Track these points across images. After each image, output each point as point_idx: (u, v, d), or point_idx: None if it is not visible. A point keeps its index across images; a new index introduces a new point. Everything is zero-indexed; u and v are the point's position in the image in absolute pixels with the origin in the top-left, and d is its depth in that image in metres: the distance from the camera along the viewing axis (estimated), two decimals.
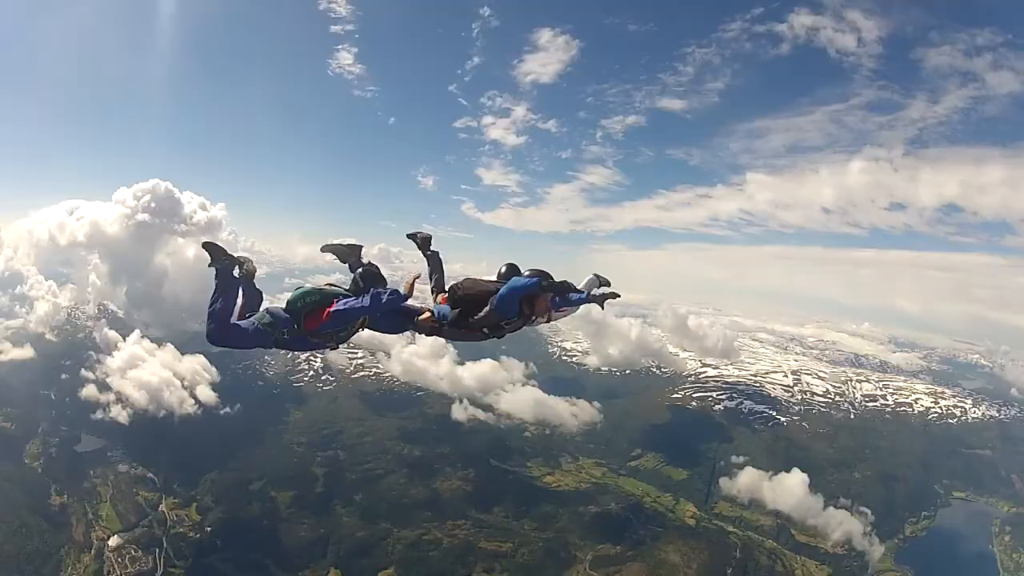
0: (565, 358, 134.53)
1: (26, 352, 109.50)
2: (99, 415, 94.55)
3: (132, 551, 77.55)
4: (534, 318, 6.27)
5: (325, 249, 6.71)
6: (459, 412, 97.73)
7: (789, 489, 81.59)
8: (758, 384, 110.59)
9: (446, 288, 6.53)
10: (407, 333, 6.60)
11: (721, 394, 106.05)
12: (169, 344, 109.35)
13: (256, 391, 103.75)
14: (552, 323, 7.19)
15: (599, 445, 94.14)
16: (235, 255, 5.79)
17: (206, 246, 5.67)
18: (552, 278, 6.22)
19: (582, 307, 7.17)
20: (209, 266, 5.63)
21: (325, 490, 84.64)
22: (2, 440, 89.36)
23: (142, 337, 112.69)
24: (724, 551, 70.98)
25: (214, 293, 5.56)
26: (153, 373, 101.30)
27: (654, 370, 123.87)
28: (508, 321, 6.18)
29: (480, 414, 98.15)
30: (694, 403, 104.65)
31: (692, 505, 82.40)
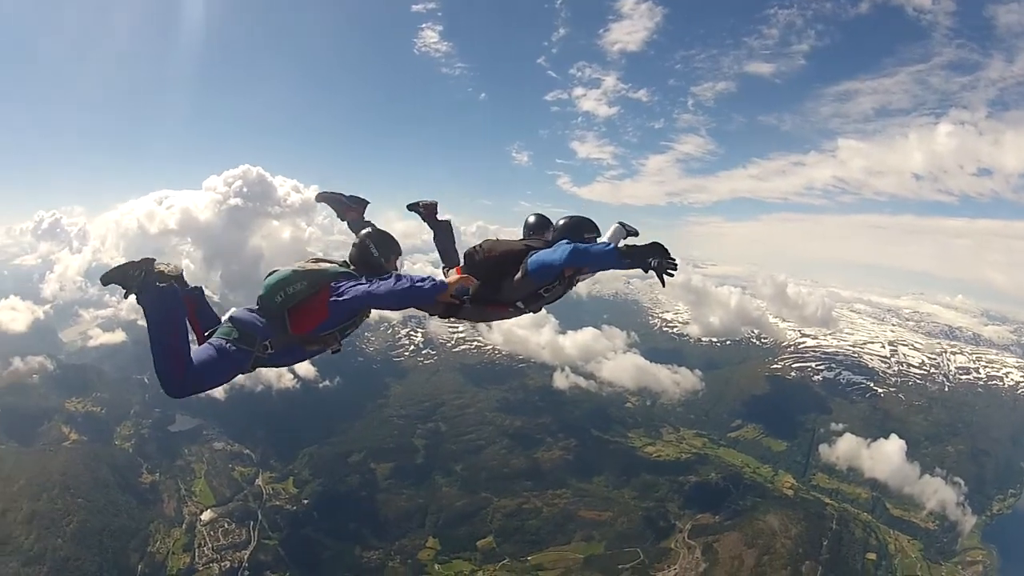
0: (666, 329, 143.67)
1: (117, 336, 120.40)
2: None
3: (225, 524, 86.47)
4: (577, 279, 5.52)
5: (320, 198, 6.04)
6: (561, 380, 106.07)
7: (887, 456, 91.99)
8: (856, 355, 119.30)
9: (460, 259, 5.86)
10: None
11: (820, 364, 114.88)
12: None
13: (356, 366, 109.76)
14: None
15: (700, 416, 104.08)
16: (138, 261, 4.28)
17: (107, 278, 4.13)
18: (595, 225, 5.53)
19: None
20: (125, 297, 4.19)
21: (425, 461, 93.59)
22: (92, 423, 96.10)
23: None
24: (820, 522, 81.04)
25: (151, 332, 4.15)
26: None
27: (754, 340, 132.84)
28: (548, 288, 5.43)
29: (582, 382, 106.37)
30: (793, 373, 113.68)
31: (791, 476, 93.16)
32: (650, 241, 4.44)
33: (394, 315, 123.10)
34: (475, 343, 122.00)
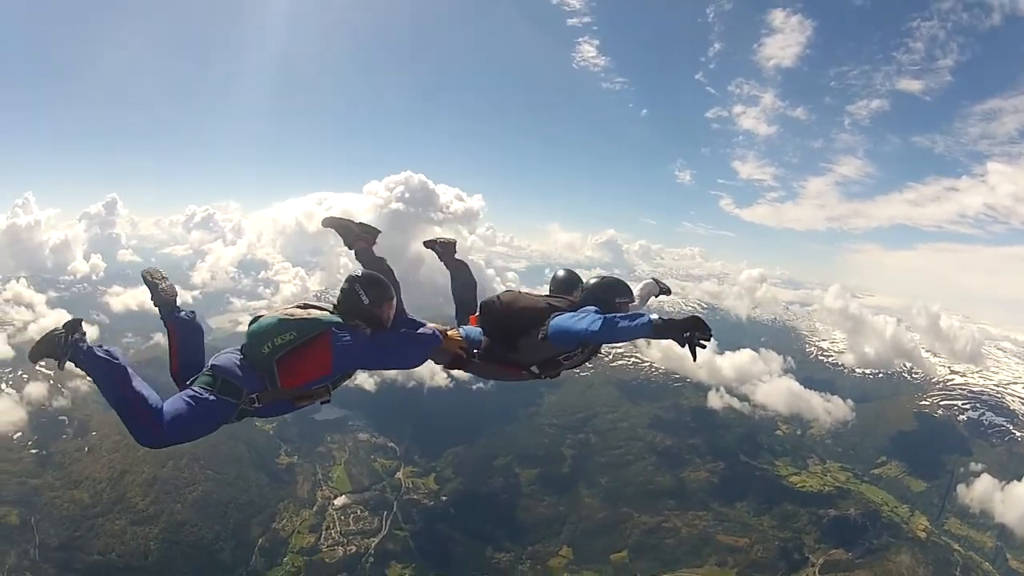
0: (822, 357, 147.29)
1: None
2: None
3: (358, 511, 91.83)
4: (601, 348, 5.43)
5: (327, 223, 5.80)
6: (715, 400, 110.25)
7: (1018, 500, 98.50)
8: (999, 395, 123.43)
9: (477, 306, 5.59)
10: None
11: (966, 403, 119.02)
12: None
13: None
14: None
15: (847, 449, 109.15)
16: (61, 327, 4.04)
17: (33, 355, 4.00)
18: (629, 289, 5.53)
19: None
20: (60, 368, 4.00)
21: (571, 471, 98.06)
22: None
23: None
24: (947, 569, 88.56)
25: (103, 392, 4.05)
26: None
27: (905, 375, 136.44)
28: (569, 355, 5.36)
29: (736, 403, 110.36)
30: (940, 411, 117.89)
31: (926, 518, 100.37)
32: (687, 316, 4.37)
33: None
34: (633, 359, 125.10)
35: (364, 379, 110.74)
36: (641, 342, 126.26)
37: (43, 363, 4.22)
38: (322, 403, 4.80)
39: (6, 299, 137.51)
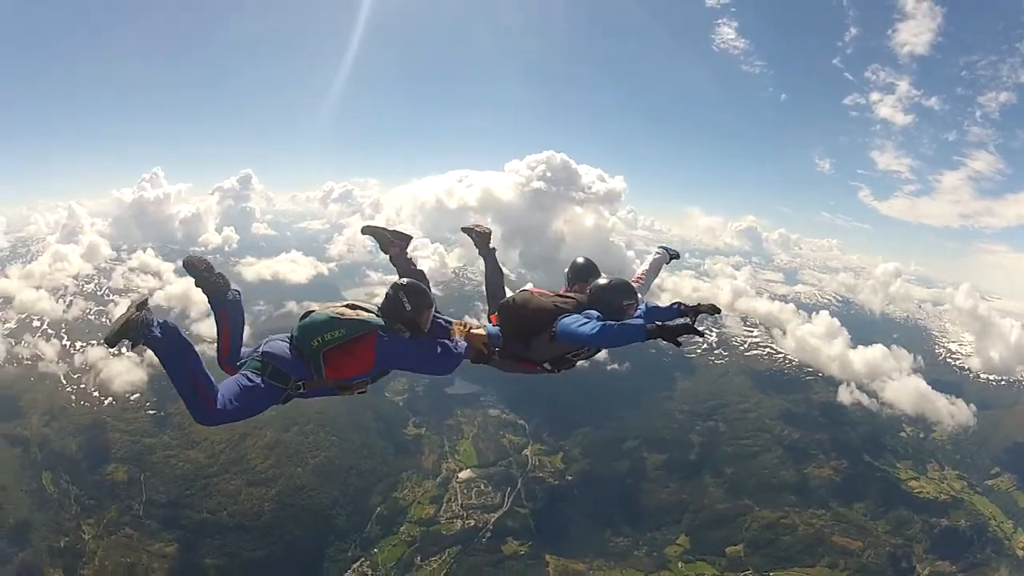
0: (950, 359, 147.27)
1: None
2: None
3: (481, 485, 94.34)
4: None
5: (365, 231, 6.70)
6: (845, 395, 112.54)
7: None
8: None
9: (503, 297, 6.32)
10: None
11: None
12: None
13: (647, 356, 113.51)
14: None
15: (965, 456, 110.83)
16: (133, 311, 4.34)
17: (110, 339, 4.25)
18: (633, 292, 5.84)
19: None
20: (132, 349, 4.56)
21: (698, 458, 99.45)
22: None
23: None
24: None
25: (169, 374, 4.49)
26: None
27: None
28: (576, 353, 5.87)
29: (864, 399, 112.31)
30: None
31: None
32: (680, 322, 4.89)
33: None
34: (768, 349, 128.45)
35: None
36: (777, 333, 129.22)
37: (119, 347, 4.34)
38: (359, 393, 5.37)
39: (132, 267, 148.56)
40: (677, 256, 7.90)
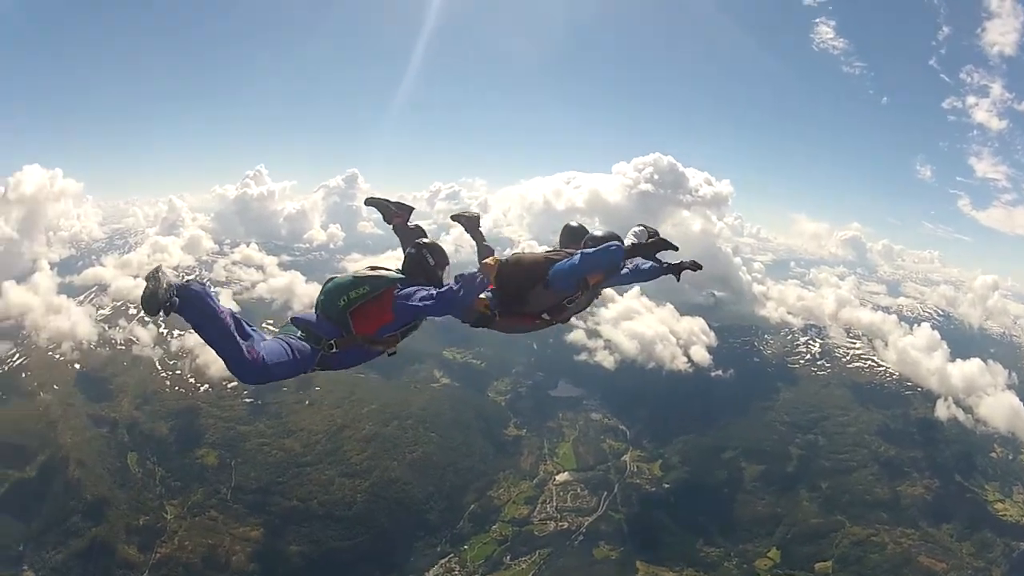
0: None
1: None
2: (583, 357, 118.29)
3: (577, 489, 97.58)
4: (600, 289, 6.61)
5: (368, 202, 7.52)
6: (942, 409, 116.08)
7: None
8: None
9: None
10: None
11: None
12: (668, 304, 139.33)
13: (750, 365, 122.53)
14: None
15: None
16: (157, 279, 4.47)
17: (149, 308, 4.38)
18: (619, 238, 6.41)
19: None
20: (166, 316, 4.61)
21: (795, 471, 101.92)
22: (468, 373, 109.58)
23: (641, 294, 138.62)
24: None
25: (204, 337, 4.67)
26: (648, 327, 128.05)
27: None
28: (571, 298, 6.37)
29: (960, 415, 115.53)
30: None
31: None
32: (656, 238, 5.60)
33: (796, 321, 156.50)
34: (869, 361, 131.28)
35: (604, 357, 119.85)
36: (879, 344, 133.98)
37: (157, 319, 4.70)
38: (389, 354, 5.73)
39: (234, 261, 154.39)
40: (655, 235, 7.38)
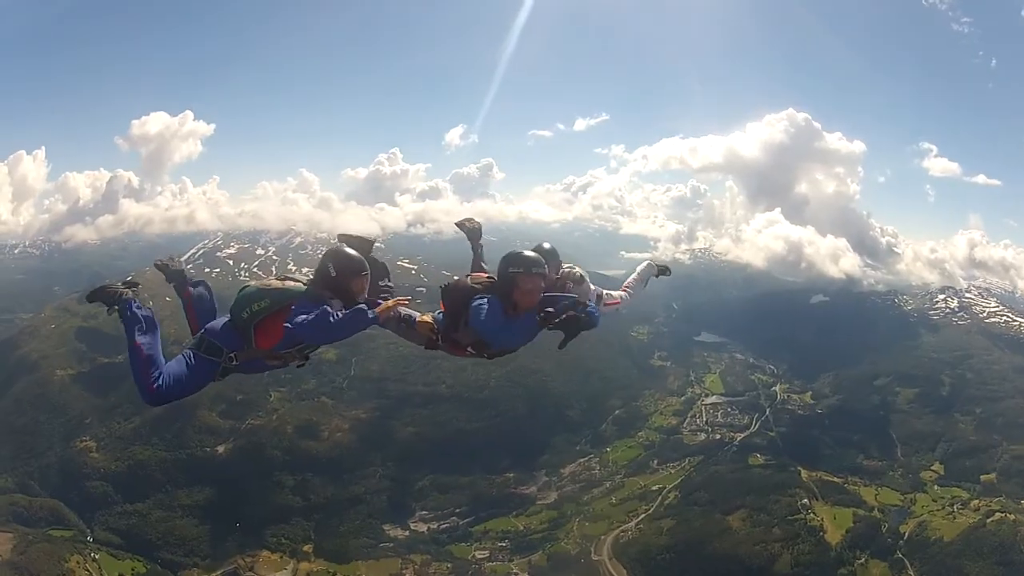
0: None
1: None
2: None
3: (728, 408, 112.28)
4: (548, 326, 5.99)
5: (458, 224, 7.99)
6: None
7: None
8: None
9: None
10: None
11: None
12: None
13: (892, 316, 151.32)
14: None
15: None
16: (119, 284, 6.07)
17: (91, 296, 5.80)
18: (524, 264, 6.12)
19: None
20: (108, 313, 5.80)
21: (948, 396, 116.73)
22: (608, 319, 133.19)
23: None
24: None
25: (128, 343, 5.55)
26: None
27: None
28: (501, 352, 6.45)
29: None
30: None
31: None
32: (570, 314, 5.77)
33: (931, 277, 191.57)
34: (1005, 317, 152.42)
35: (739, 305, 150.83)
36: (1013, 276, 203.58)
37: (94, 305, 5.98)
38: (297, 367, 6.25)
39: None
40: (667, 272, 9.38)
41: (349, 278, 5.82)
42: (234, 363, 5.96)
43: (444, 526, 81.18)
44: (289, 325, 5.48)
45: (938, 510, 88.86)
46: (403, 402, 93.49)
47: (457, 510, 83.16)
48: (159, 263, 6.92)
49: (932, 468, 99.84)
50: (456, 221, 8.39)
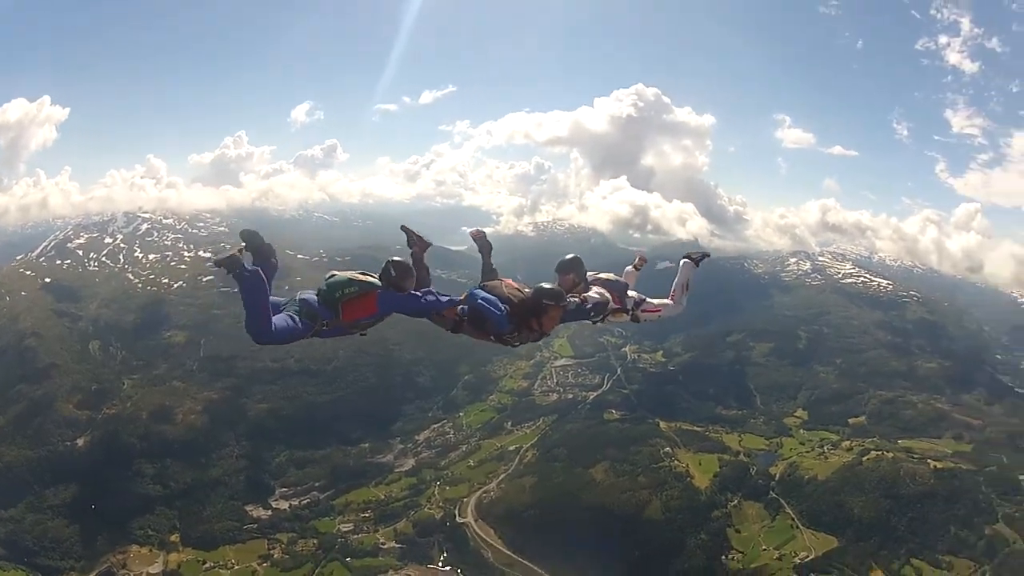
0: None
1: None
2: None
3: (579, 370, 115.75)
4: (546, 332, 8.89)
5: (404, 228, 9.75)
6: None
7: None
8: None
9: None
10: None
11: None
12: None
13: (741, 279, 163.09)
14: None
15: None
16: (236, 252, 7.57)
17: (218, 262, 7.34)
18: (559, 298, 8.78)
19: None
20: (229, 274, 7.35)
21: (806, 349, 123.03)
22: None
23: None
24: None
25: (245, 300, 7.49)
26: None
27: None
28: (508, 335, 8.85)
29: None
30: None
31: None
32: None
33: (782, 242, 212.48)
34: (862, 277, 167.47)
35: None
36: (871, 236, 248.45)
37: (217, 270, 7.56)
38: (360, 335, 8.81)
39: None
40: (707, 255, 11.83)
41: (404, 279, 8.71)
42: (324, 328, 8.30)
43: (305, 501, 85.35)
44: (390, 304, 8.56)
45: (807, 452, 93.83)
46: (253, 379, 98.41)
47: (316, 484, 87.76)
48: (245, 232, 8.56)
49: (795, 415, 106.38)
50: (470, 232, 10.69)
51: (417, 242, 9.45)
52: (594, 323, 10.26)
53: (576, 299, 9.30)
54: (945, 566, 74.93)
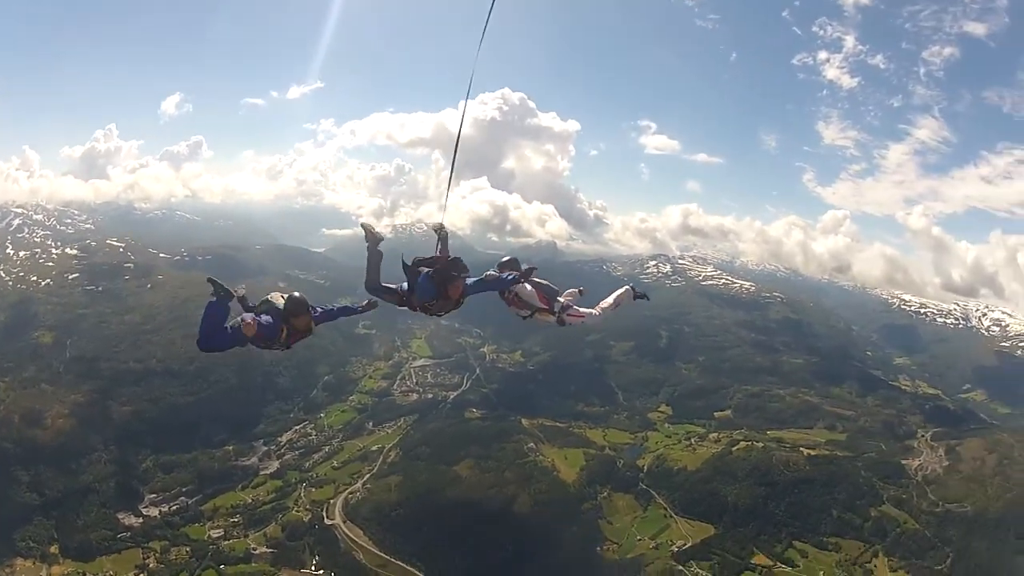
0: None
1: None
2: None
3: (438, 370, 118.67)
4: (460, 301, 10.70)
5: (363, 226, 11.60)
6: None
7: None
8: None
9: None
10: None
11: None
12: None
13: (599, 282, 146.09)
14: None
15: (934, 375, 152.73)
16: (224, 287, 9.93)
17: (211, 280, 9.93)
18: (457, 270, 10.58)
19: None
20: (216, 294, 9.88)
21: (667, 347, 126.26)
22: (312, 290, 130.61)
23: None
24: None
25: (211, 317, 9.66)
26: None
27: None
28: (429, 303, 10.60)
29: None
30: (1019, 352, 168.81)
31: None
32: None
33: (642, 246, 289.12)
34: (724, 280, 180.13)
35: None
36: (734, 239, 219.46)
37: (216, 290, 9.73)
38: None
39: None
40: (645, 298, 13.56)
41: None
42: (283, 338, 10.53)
43: (175, 507, 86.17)
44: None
45: (674, 444, 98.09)
46: (117, 381, 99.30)
47: (184, 489, 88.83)
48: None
49: (659, 410, 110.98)
50: (432, 225, 12.21)
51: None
52: (524, 319, 12.44)
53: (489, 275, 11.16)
54: (832, 547, 79.91)
